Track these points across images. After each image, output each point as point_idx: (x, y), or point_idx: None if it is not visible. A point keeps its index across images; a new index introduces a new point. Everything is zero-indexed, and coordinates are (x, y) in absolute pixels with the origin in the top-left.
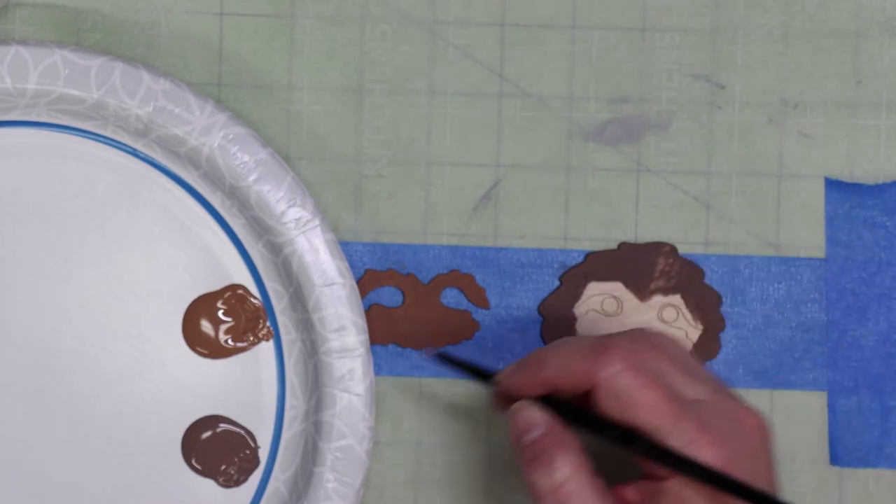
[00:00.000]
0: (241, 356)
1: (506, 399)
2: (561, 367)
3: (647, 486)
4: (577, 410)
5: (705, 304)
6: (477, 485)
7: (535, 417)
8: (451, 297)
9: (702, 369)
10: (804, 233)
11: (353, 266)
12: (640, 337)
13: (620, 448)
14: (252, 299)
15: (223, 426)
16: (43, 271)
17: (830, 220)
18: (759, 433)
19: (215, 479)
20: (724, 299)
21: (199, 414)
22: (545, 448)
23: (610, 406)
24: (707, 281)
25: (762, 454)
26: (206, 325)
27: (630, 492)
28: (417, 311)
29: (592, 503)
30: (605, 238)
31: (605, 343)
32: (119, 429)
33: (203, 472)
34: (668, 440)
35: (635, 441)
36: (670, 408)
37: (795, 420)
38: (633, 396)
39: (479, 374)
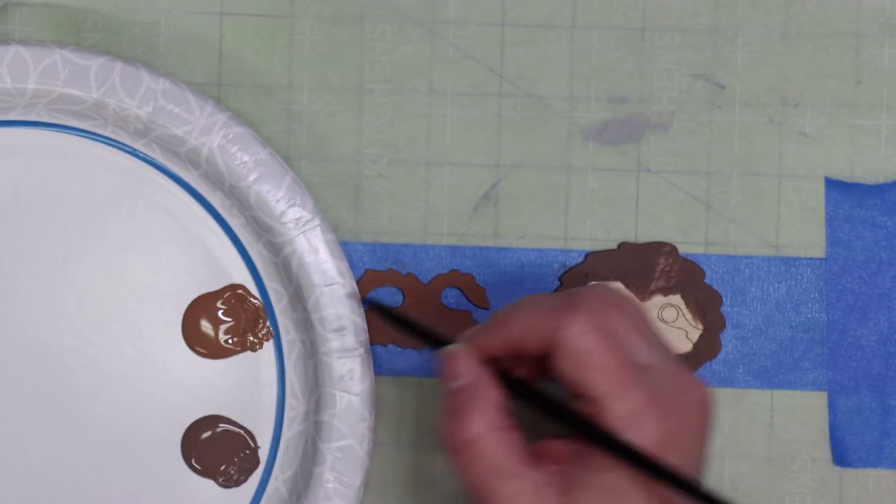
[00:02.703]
0: (241, 356)
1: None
2: (526, 326)
3: (574, 445)
4: (523, 386)
5: (705, 304)
6: None
7: (461, 366)
8: (451, 297)
9: (655, 332)
10: (804, 233)
11: (353, 266)
12: (603, 294)
13: (562, 427)
14: (252, 299)
15: (223, 426)
16: (43, 271)
17: (830, 220)
18: (702, 408)
19: (215, 480)
20: (724, 299)
21: (199, 414)
22: (462, 401)
23: (566, 367)
24: (707, 281)
25: (702, 429)
26: (205, 325)
27: (557, 446)
28: (417, 311)
29: (503, 462)
30: (605, 238)
31: (570, 302)
32: (119, 429)
33: (203, 472)
34: (614, 407)
35: (577, 423)
36: (623, 375)
37: (795, 420)
38: (590, 359)
39: (426, 336)
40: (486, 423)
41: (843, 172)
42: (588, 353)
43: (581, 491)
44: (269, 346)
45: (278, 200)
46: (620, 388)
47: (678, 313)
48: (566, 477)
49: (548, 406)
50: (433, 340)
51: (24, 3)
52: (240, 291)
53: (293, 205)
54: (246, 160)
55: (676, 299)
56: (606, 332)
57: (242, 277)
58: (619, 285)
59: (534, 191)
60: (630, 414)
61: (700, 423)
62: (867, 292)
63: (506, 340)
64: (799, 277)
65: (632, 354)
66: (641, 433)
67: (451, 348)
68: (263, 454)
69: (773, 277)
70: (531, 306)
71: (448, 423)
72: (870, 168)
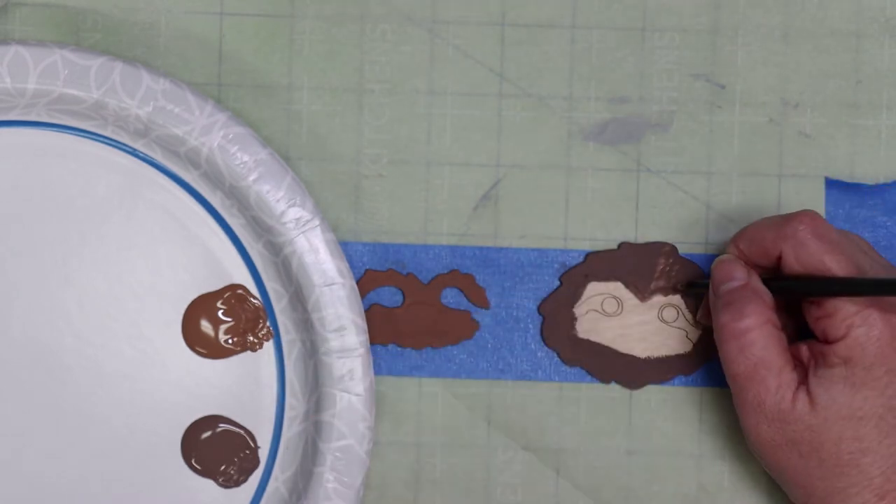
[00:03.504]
0: (241, 356)
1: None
2: (752, 237)
3: (817, 347)
4: (776, 277)
5: (705, 304)
6: (477, 485)
7: (734, 270)
8: (451, 297)
9: (877, 253)
10: None
11: (353, 266)
12: (808, 217)
13: (819, 296)
14: (252, 299)
15: (223, 426)
16: (43, 271)
17: (830, 220)
18: None
19: (215, 479)
20: None
21: (199, 414)
22: (740, 297)
23: (795, 270)
24: (707, 281)
25: None
26: (205, 325)
27: (803, 350)
28: (417, 311)
29: (771, 354)
30: (605, 238)
31: (793, 213)
32: (119, 429)
33: (203, 472)
34: (842, 307)
35: (833, 286)
36: (850, 270)
37: None
38: (817, 261)
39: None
40: (761, 317)
41: (843, 172)
42: (814, 255)
43: (825, 384)
44: (269, 346)
45: (278, 200)
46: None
47: (678, 313)
48: (813, 375)
49: (806, 285)
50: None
51: (24, 3)
52: (240, 291)
53: (293, 205)
54: (246, 160)
55: (676, 299)
56: (829, 239)
57: (242, 277)
58: (618, 285)
59: (534, 191)
60: (861, 308)
61: None
62: None
63: (741, 251)
64: None
65: (854, 256)
66: (872, 329)
67: (724, 256)
68: (263, 454)
69: None
70: (757, 221)
71: (726, 314)
72: (870, 168)
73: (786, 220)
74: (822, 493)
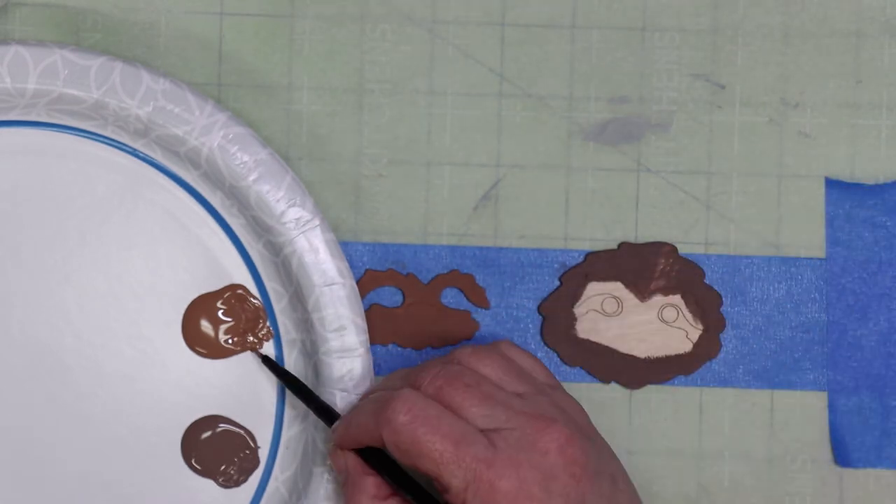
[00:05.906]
0: (241, 356)
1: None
2: (361, 430)
3: None
4: (388, 468)
5: (705, 304)
6: None
7: (338, 465)
8: (451, 297)
9: (516, 383)
10: (804, 233)
11: (353, 266)
12: (433, 372)
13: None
14: (252, 299)
15: (223, 426)
16: (43, 271)
17: (830, 220)
18: (556, 454)
19: (215, 480)
20: (724, 299)
21: (199, 414)
22: (347, 491)
23: (401, 458)
24: (707, 281)
25: (560, 474)
26: (205, 325)
27: None
28: (417, 311)
29: None
30: (605, 238)
31: (387, 397)
32: (119, 429)
33: (203, 472)
34: (452, 484)
35: (424, 498)
36: (452, 451)
37: (796, 420)
38: (412, 449)
39: (320, 410)
40: None
41: (843, 172)
42: (409, 444)
43: None
44: (269, 346)
45: (278, 200)
46: (451, 465)
47: (678, 313)
48: None
49: (409, 487)
50: (320, 410)
51: (24, 3)
52: (240, 291)
53: (293, 205)
54: (246, 160)
55: (676, 299)
56: (425, 418)
57: (242, 277)
58: (618, 285)
59: (534, 191)
60: (471, 482)
61: (556, 468)
62: (867, 292)
63: (356, 441)
64: (799, 277)
65: (471, 423)
66: (484, 499)
67: (329, 446)
68: (263, 454)
69: (773, 277)
70: (362, 406)
71: None
72: (870, 168)
73: (380, 412)
74: None
